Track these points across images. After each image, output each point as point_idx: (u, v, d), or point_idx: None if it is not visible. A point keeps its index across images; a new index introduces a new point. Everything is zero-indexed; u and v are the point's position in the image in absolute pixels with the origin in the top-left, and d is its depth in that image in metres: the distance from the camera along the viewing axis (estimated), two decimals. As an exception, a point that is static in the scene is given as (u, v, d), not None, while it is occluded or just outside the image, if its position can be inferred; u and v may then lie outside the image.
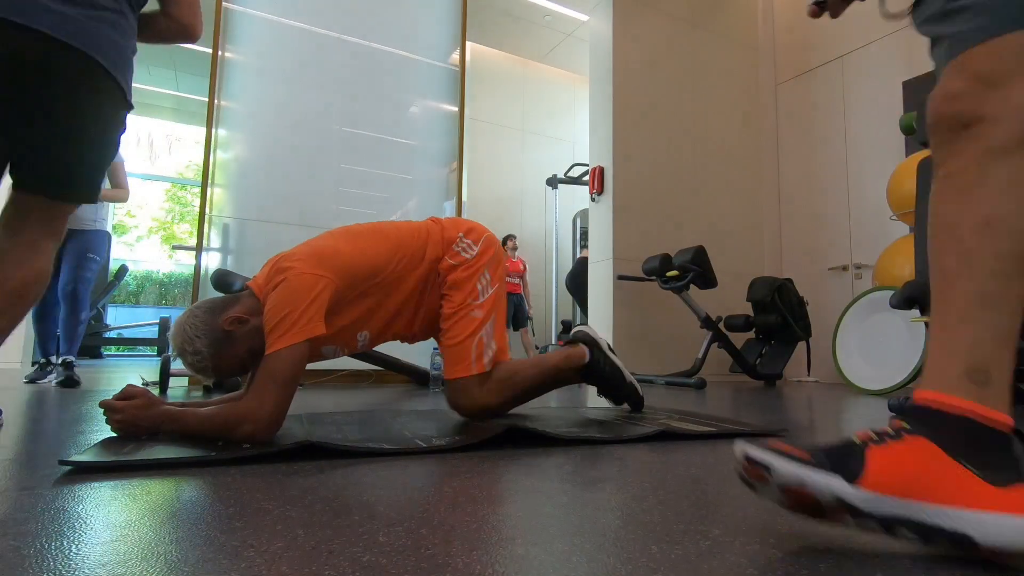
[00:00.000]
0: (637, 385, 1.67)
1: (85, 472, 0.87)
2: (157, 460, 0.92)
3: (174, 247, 9.72)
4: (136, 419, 1.08)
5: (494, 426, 1.30)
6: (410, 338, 1.52)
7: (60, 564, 0.51)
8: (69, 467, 0.89)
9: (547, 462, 1.03)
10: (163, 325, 7.59)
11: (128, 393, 1.10)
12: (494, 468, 0.97)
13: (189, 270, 10.63)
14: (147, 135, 11.77)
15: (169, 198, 12.14)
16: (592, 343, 1.60)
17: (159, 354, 7.67)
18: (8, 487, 0.78)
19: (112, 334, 7.69)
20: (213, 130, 3.22)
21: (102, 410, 1.10)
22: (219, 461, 0.95)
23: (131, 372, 4.24)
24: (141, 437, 1.09)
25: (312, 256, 1.25)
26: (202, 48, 6.61)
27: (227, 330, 1.18)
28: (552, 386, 1.58)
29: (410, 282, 1.40)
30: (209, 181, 3.19)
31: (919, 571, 0.53)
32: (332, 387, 2.84)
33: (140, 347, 8.35)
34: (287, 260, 1.24)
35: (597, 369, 1.58)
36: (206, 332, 1.17)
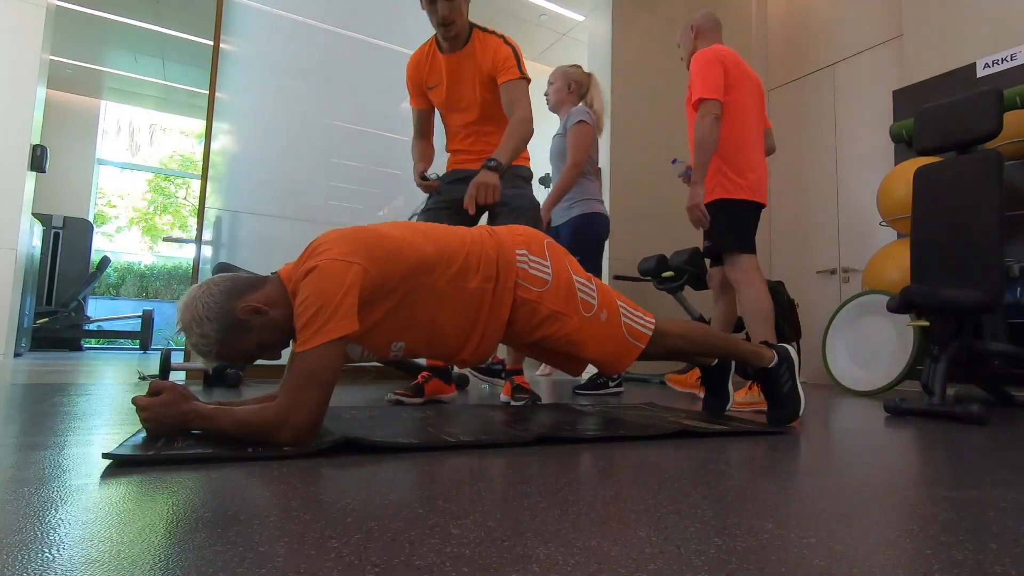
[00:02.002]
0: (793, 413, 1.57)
1: (129, 465, 0.87)
2: (200, 455, 0.92)
3: (165, 239, 9.51)
4: (160, 416, 1.02)
5: (523, 432, 1.32)
6: (458, 361, 1.38)
7: (100, 549, 0.52)
8: (111, 460, 0.89)
9: (580, 459, 1.05)
10: (146, 318, 7.47)
11: (154, 388, 1.05)
12: (532, 464, 0.99)
13: (171, 262, 10.45)
14: (128, 124, 11.53)
15: (151, 188, 11.91)
16: (785, 359, 1.56)
17: (142, 347, 7.54)
18: (57, 475, 0.78)
19: (92, 327, 7.53)
20: (213, 123, 3.17)
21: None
22: (259, 457, 0.95)
23: (111, 365, 4.17)
24: (172, 436, 1.04)
25: (344, 238, 1.14)
26: (192, 37, 6.52)
27: (241, 319, 1.09)
28: (720, 355, 1.62)
29: (457, 294, 1.26)
30: (208, 174, 3.15)
31: (968, 554, 0.56)
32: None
33: (121, 340, 8.19)
34: (320, 243, 1.14)
35: (775, 379, 1.55)
36: (219, 316, 1.07)
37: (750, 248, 2.28)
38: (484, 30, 2.05)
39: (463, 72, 2.06)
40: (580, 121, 2.77)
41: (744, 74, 2.28)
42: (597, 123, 2.85)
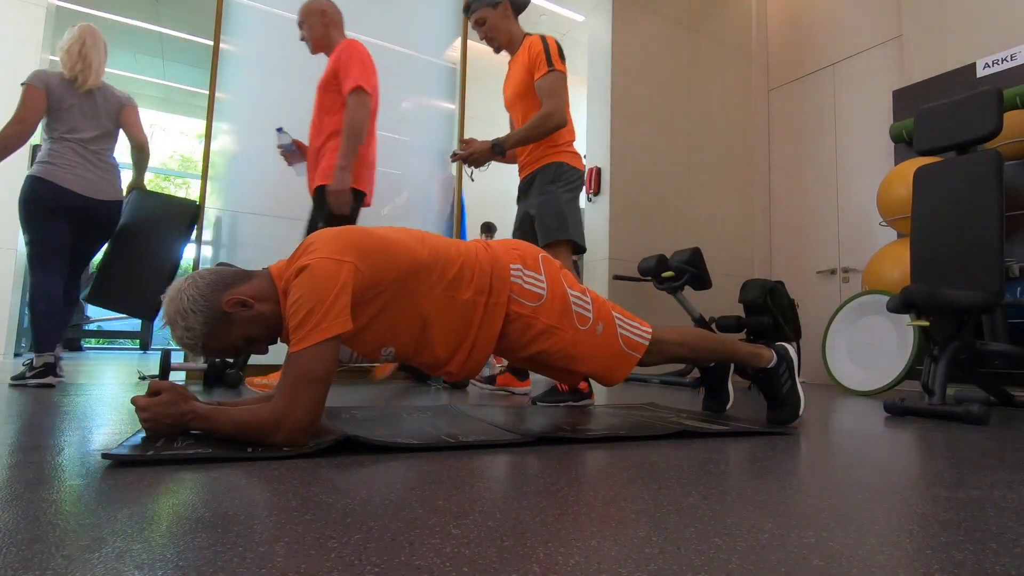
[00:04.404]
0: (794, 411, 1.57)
1: (129, 465, 0.87)
2: (199, 455, 0.92)
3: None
4: (160, 416, 1.01)
5: (523, 431, 1.32)
6: (445, 373, 1.34)
7: (100, 549, 0.52)
8: (111, 460, 0.89)
9: (580, 459, 1.05)
10: (146, 318, 7.46)
11: (153, 389, 1.05)
12: (532, 464, 0.99)
13: (171, 262, 10.42)
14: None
15: (151, 188, 11.91)
16: (784, 358, 1.56)
17: (142, 347, 7.54)
18: (57, 476, 0.78)
19: (92, 327, 7.53)
20: (213, 122, 3.18)
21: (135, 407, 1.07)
22: (258, 457, 0.95)
23: (111, 365, 4.17)
24: (171, 436, 1.03)
25: (336, 238, 1.13)
26: (192, 37, 6.52)
27: (227, 312, 1.08)
28: (718, 359, 1.63)
29: (449, 304, 1.25)
30: (208, 174, 3.16)
31: (968, 555, 0.56)
32: (332, 383, 2.83)
33: (121, 340, 8.19)
34: (312, 242, 1.13)
35: (774, 379, 1.56)
36: (204, 309, 1.07)
37: None
38: (531, 35, 2.27)
39: (512, 74, 2.31)
40: (23, 84, 2.33)
41: (375, 73, 2.46)
42: (62, 80, 2.38)
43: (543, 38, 2.21)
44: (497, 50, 2.34)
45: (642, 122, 4.39)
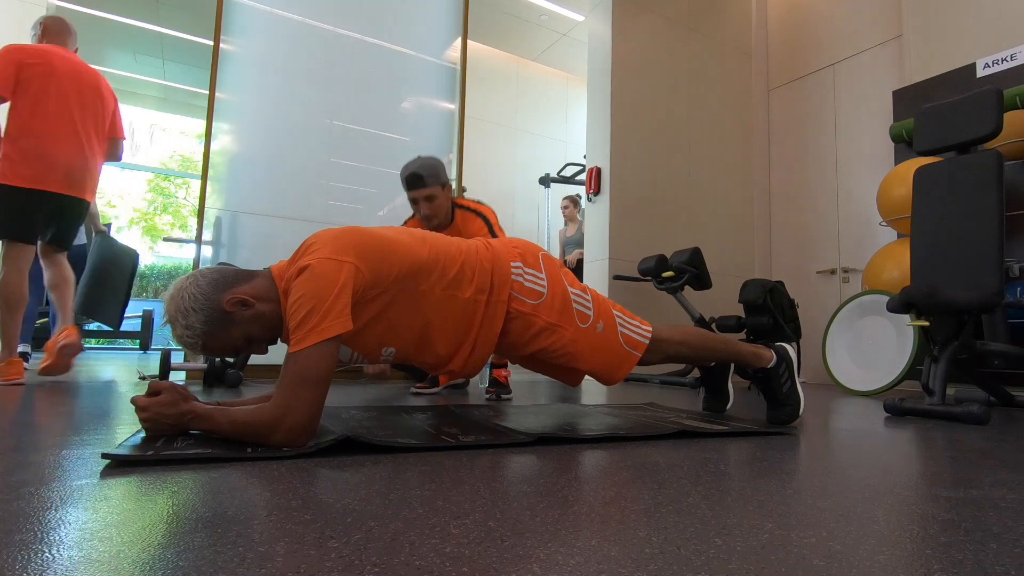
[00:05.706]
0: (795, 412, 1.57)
1: (128, 465, 0.87)
2: (199, 455, 0.92)
3: (165, 239, 9.58)
4: (160, 416, 1.02)
5: (523, 431, 1.32)
6: (447, 372, 1.34)
7: (100, 549, 0.52)
8: (111, 460, 0.89)
9: (580, 459, 1.05)
10: (146, 318, 7.47)
11: (153, 388, 1.04)
12: (531, 465, 0.99)
13: (171, 263, 10.45)
14: (129, 124, 11.53)
15: (151, 188, 11.89)
16: (784, 358, 1.57)
17: (142, 347, 7.55)
18: (57, 476, 0.78)
19: (92, 326, 7.53)
20: (213, 123, 3.18)
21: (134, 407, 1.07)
22: (258, 457, 0.95)
23: (111, 365, 4.16)
24: (171, 436, 1.04)
25: (337, 237, 1.13)
26: (192, 37, 6.52)
27: (227, 311, 1.09)
28: (718, 358, 1.63)
29: (450, 303, 1.25)
30: (208, 174, 3.16)
31: (966, 553, 0.56)
32: (332, 382, 2.83)
33: (121, 340, 8.19)
34: (313, 242, 1.13)
35: (774, 379, 1.56)
36: (204, 307, 1.07)
37: (21, 237, 2.44)
38: (460, 207, 2.37)
39: None
40: None
41: (52, 74, 2.47)
42: None
43: (482, 214, 2.31)
44: (434, 228, 2.30)
45: (642, 122, 4.39)
